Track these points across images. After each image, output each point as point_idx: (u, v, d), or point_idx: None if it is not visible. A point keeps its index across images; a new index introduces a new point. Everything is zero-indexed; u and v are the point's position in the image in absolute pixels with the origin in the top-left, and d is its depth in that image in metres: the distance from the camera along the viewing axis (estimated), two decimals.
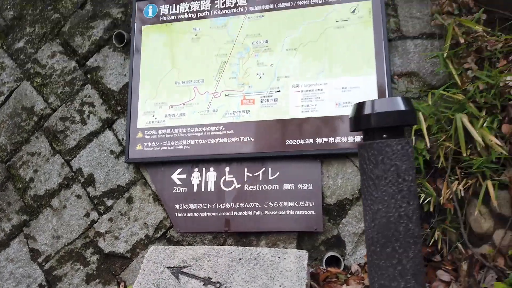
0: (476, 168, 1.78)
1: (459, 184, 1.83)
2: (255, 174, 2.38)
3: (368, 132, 1.42)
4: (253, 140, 2.41)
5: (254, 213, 2.32)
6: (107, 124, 2.68)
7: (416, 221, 1.38)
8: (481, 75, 2.01)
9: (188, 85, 2.57)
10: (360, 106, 1.41)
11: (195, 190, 2.42)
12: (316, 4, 2.53)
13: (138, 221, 2.48)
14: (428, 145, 1.93)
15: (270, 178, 2.36)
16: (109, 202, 2.55)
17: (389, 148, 1.35)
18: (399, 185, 1.35)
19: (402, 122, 1.39)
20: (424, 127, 1.95)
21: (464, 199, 1.89)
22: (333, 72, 2.41)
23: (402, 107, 1.38)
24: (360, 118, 1.41)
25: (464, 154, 1.84)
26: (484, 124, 1.87)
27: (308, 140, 2.34)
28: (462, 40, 2.23)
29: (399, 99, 1.40)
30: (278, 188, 2.34)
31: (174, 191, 2.44)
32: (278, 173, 2.36)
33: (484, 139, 1.82)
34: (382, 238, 1.37)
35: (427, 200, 1.96)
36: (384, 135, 1.38)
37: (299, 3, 2.55)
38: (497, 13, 2.76)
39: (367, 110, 1.39)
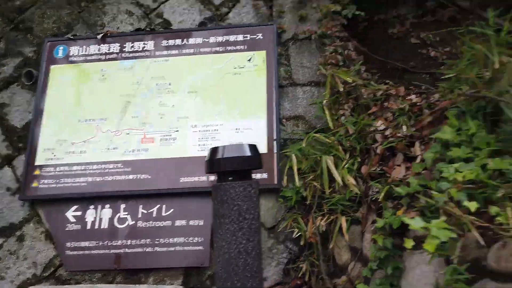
0: (333, 205, 1.98)
1: (322, 219, 2.02)
2: (149, 211, 2.44)
3: (219, 174, 1.58)
4: (150, 177, 2.49)
5: (144, 249, 2.36)
6: (7, 160, 2.66)
7: (256, 256, 1.51)
8: (346, 121, 2.28)
9: (90, 123, 2.64)
10: (213, 150, 1.56)
11: (88, 227, 2.43)
12: (217, 52, 2.75)
13: (27, 260, 2.42)
14: (298, 183, 2.13)
15: (164, 214, 2.43)
16: None
17: (233, 190, 1.50)
18: (240, 223, 1.49)
19: (247, 166, 1.56)
20: (295, 167, 2.15)
21: (328, 233, 2.07)
22: (229, 114, 2.60)
23: (247, 153, 1.56)
24: (213, 162, 1.56)
25: (327, 193, 2.05)
26: (346, 166, 2.11)
27: (202, 177, 2.46)
28: (341, 89, 2.51)
29: (245, 146, 1.57)
30: (170, 224, 2.41)
31: (67, 229, 2.43)
32: (172, 209, 2.44)
33: (344, 179, 2.04)
34: (225, 273, 1.48)
35: (299, 234, 2.13)
36: (230, 178, 1.54)
37: (201, 50, 2.76)
38: (390, 63, 3.14)
39: (218, 155, 1.55)
